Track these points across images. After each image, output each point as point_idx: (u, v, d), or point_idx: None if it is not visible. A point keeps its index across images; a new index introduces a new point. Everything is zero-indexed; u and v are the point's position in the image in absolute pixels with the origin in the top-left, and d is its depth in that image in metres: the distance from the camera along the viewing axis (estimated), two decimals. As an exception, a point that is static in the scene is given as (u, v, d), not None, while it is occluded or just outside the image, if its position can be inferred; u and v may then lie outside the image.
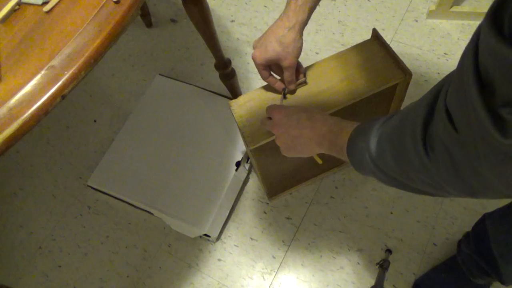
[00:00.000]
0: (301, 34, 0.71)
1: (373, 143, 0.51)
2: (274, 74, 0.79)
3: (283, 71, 0.75)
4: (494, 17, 0.27)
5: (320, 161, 0.79)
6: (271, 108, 0.71)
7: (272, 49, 0.71)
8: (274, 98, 0.81)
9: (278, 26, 0.70)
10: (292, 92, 0.81)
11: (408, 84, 0.82)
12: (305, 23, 0.70)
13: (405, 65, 0.79)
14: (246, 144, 0.80)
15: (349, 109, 0.80)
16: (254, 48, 0.74)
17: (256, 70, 0.77)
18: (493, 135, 0.30)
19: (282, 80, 0.79)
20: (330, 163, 1.09)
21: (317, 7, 0.72)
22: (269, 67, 0.76)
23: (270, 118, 0.71)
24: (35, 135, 1.34)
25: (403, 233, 1.06)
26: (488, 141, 0.31)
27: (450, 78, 0.37)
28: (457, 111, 0.35)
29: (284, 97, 0.80)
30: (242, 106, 0.81)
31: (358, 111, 0.85)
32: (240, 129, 0.80)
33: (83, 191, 1.23)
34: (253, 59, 0.74)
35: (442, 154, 0.39)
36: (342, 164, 1.11)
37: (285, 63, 0.73)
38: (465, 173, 0.38)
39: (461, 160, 0.37)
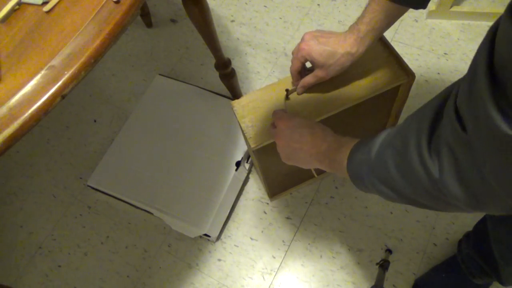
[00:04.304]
0: (351, 63, 0.72)
1: (373, 153, 0.50)
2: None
3: (310, 75, 0.76)
4: None
5: (315, 175, 0.81)
6: (276, 116, 0.71)
7: (324, 56, 0.71)
8: (276, 98, 0.81)
9: (342, 42, 0.69)
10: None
11: (411, 85, 0.82)
12: (360, 56, 0.71)
13: (408, 66, 0.79)
14: (249, 144, 0.80)
15: (351, 110, 0.80)
16: (306, 38, 0.72)
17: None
18: (499, 126, 0.29)
19: (299, 78, 0.79)
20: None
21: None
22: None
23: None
24: (35, 135, 1.34)
25: (403, 233, 1.06)
26: (494, 135, 0.30)
27: (460, 82, 0.37)
28: (466, 107, 0.34)
29: (287, 97, 0.80)
30: (244, 106, 0.81)
31: (360, 112, 0.85)
32: (242, 130, 0.80)
33: (83, 191, 1.23)
34: (301, 48, 0.73)
35: (448, 157, 0.38)
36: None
37: (321, 73, 0.74)
38: (469, 177, 0.37)
39: (466, 163, 0.36)
